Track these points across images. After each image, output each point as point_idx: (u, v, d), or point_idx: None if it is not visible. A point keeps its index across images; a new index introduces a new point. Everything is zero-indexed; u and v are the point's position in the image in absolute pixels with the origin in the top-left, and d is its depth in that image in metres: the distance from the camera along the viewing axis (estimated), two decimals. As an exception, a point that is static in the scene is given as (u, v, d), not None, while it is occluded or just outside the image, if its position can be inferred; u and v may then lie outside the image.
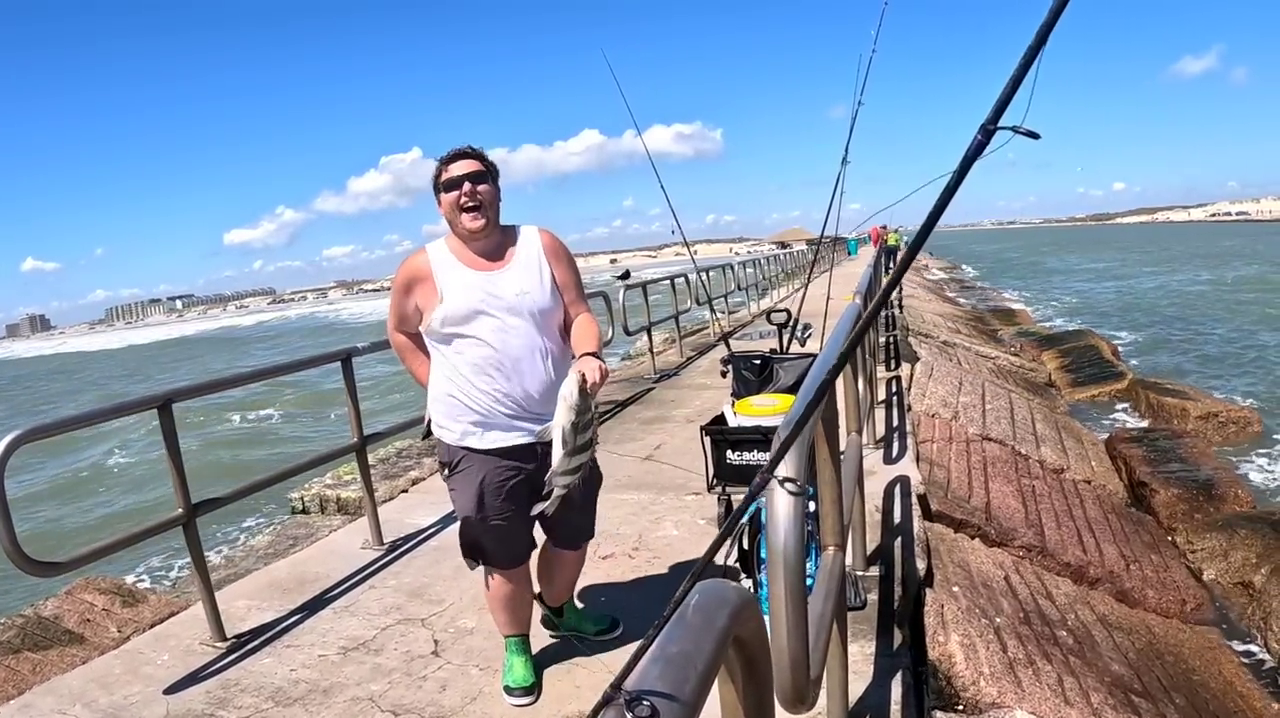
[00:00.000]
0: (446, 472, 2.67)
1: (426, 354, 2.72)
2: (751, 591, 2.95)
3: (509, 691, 2.77)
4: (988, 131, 0.88)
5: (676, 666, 0.67)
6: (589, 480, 2.69)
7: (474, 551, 2.68)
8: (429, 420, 2.71)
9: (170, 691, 3.01)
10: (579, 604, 3.23)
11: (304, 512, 5.40)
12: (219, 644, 3.32)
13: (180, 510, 3.29)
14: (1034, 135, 0.87)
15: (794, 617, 1.11)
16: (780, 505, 1.14)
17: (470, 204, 2.52)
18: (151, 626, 3.62)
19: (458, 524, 2.67)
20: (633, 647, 2.73)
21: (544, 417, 2.50)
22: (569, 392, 2.27)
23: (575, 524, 2.84)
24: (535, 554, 2.86)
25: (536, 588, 2.99)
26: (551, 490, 2.36)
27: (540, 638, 3.08)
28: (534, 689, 2.77)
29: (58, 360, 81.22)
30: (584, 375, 2.30)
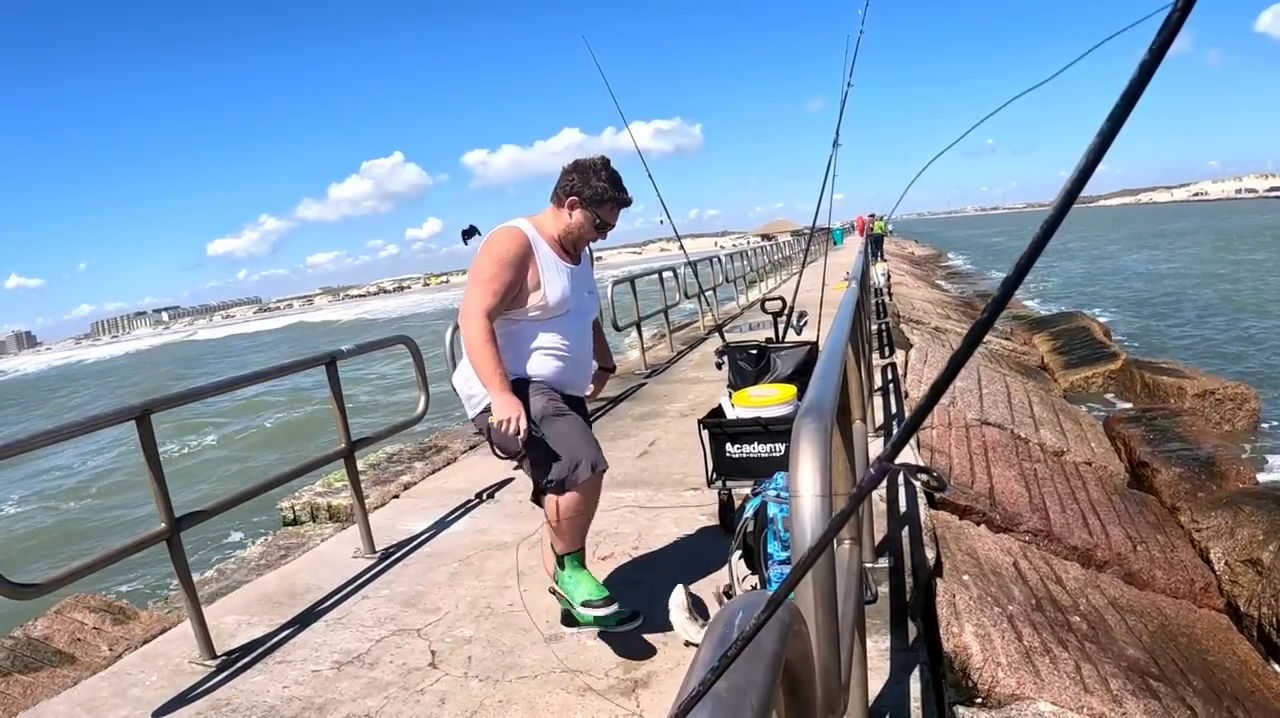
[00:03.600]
0: (535, 428, 2.64)
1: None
2: (757, 587, 2.85)
3: (589, 604, 2.72)
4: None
5: (728, 708, 0.55)
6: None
7: (574, 460, 2.67)
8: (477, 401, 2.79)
9: (159, 713, 2.89)
10: None
11: (295, 522, 5.27)
12: (208, 663, 3.20)
13: (163, 525, 3.16)
14: None
15: (825, 626, 1.01)
16: (806, 506, 1.04)
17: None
18: (143, 643, 3.50)
19: (560, 458, 2.67)
20: (657, 640, 2.62)
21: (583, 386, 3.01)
22: None
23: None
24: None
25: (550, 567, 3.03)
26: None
27: (561, 636, 3.06)
28: (614, 599, 2.74)
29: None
30: None
